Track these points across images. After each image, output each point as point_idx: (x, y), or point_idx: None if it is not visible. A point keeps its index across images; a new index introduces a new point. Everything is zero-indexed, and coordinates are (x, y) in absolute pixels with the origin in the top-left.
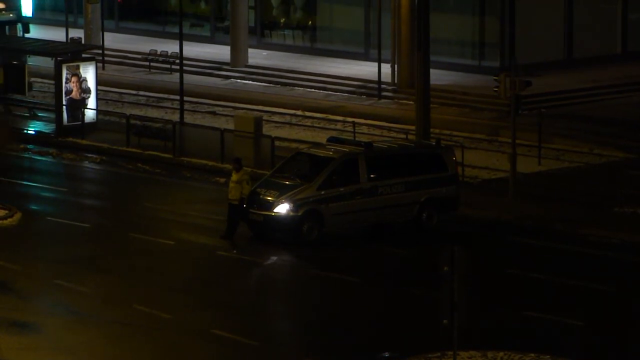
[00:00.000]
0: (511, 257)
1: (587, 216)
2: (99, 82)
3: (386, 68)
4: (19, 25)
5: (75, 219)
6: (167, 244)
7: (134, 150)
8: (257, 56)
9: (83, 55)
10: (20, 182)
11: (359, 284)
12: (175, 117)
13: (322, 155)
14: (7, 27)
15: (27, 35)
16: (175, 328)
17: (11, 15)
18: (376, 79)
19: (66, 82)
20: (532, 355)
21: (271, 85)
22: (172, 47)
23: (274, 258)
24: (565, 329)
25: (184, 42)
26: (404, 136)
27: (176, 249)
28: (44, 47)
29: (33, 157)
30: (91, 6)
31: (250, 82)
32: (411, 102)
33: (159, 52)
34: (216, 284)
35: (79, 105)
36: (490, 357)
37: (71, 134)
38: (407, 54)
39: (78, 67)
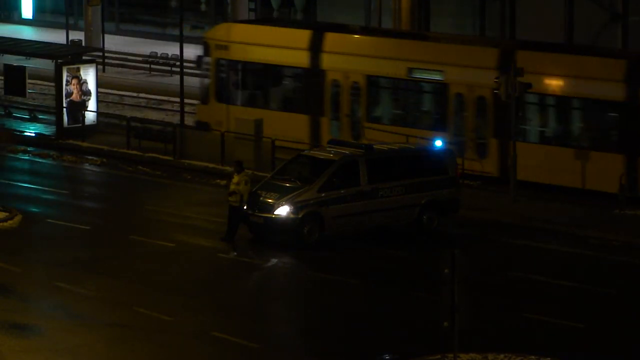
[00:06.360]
0: (511, 259)
1: (588, 218)
2: (99, 85)
3: None
4: None
5: (76, 221)
6: (168, 246)
7: (134, 152)
8: None
9: (83, 58)
10: (20, 184)
11: (359, 286)
12: (176, 119)
13: (322, 157)
14: None
15: None
16: (175, 330)
17: None
18: None
19: (67, 85)
20: (533, 357)
21: None
22: (172, 49)
23: (274, 260)
24: (565, 331)
25: (185, 44)
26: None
27: (176, 251)
28: (44, 50)
29: (33, 159)
30: (92, 8)
31: None
32: None
33: (159, 55)
34: (216, 286)
35: (79, 107)
36: (491, 359)
37: (72, 136)
38: None
39: (78, 70)
